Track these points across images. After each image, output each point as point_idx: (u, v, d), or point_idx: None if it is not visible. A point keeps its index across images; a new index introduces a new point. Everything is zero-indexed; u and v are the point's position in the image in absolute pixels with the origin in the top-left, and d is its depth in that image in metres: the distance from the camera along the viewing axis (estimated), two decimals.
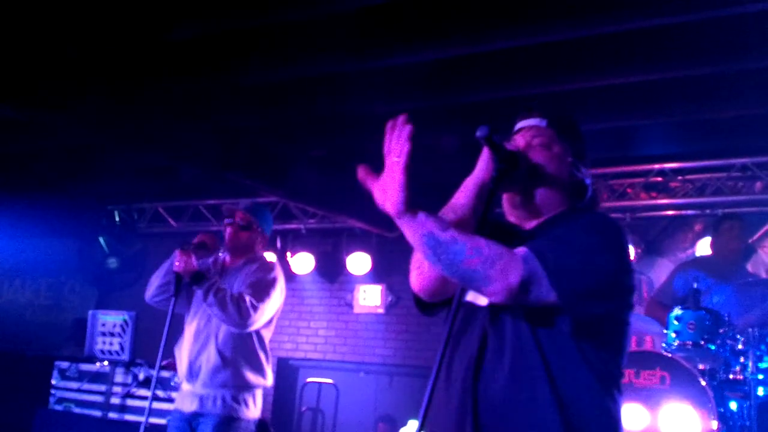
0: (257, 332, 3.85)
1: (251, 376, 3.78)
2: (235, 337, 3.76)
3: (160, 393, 5.27)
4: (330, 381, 7.81)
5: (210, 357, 3.73)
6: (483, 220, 1.88)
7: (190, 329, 3.88)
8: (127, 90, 5.18)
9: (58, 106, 5.00)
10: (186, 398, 3.80)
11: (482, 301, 1.92)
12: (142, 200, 8.68)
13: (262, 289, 3.76)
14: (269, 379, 3.89)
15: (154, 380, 3.75)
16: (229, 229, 3.96)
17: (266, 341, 3.92)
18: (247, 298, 3.65)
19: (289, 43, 4.62)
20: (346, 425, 7.70)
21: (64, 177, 7.63)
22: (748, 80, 4.79)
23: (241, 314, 3.62)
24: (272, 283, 3.83)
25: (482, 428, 1.81)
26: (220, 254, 4.10)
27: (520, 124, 2.10)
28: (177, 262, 3.70)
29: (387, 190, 1.83)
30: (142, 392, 5.51)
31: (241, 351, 3.77)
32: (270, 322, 3.91)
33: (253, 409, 3.81)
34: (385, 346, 8.06)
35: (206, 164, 5.86)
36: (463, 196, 1.99)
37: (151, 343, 6.10)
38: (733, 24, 4.15)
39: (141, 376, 5.54)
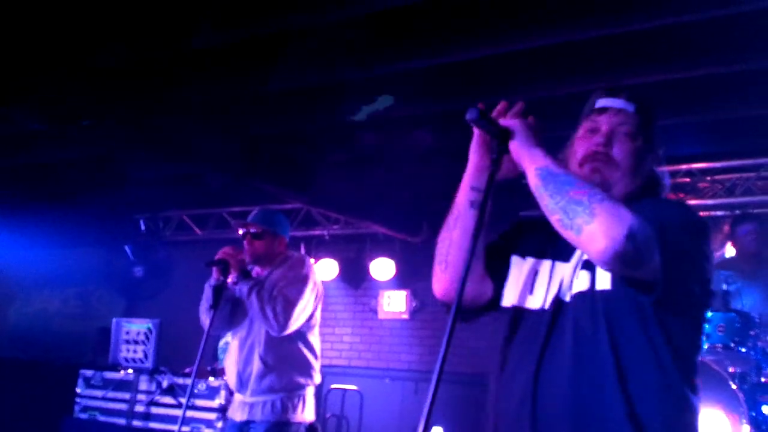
0: (300, 332, 3.83)
1: (298, 378, 3.79)
2: (276, 342, 3.76)
3: (182, 400, 5.27)
4: (354, 387, 7.77)
5: (255, 365, 3.76)
6: (483, 207, 1.75)
7: (235, 341, 3.93)
8: (151, 99, 5.21)
9: (83, 117, 5.04)
10: (238, 408, 3.84)
11: (536, 304, 1.84)
12: (167, 208, 8.73)
13: (294, 287, 3.74)
14: (317, 378, 3.90)
15: (189, 389, 3.75)
16: (244, 243, 3.95)
17: (311, 339, 3.91)
18: (281, 300, 3.64)
19: (311, 49, 4.62)
20: (370, 428, 7.65)
21: (90, 187, 7.71)
22: None
23: (277, 318, 3.62)
24: (304, 279, 3.81)
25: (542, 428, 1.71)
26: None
27: (603, 102, 1.90)
28: (223, 251, 3.73)
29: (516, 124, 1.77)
30: (166, 400, 5.51)
31: (284, 355, 3.79)
32: (311, 319, 3.88)
33: (303, 412, 3.82)
34: (410, 352, 8.01)
35: (230, 171, 5.88)
36: (460, 193, 1.90)
37: (176, 351, 6.13)
38: (763, 20, 4.05)
39: (165, 384, 5.55)
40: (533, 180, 1.71)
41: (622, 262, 1.59)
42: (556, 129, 1.95)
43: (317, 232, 8.04)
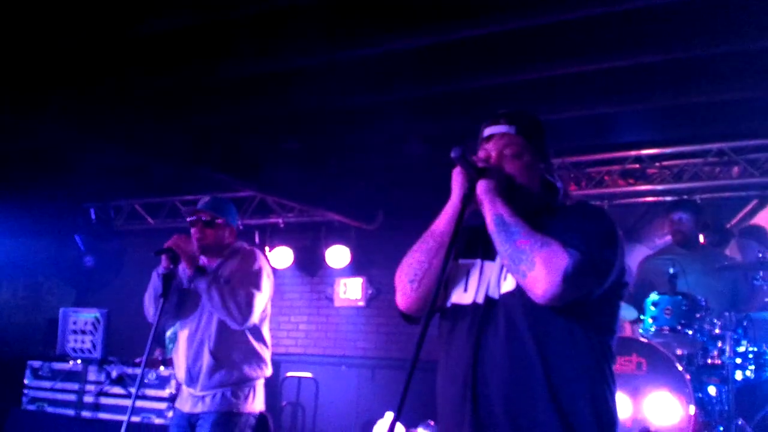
0: (252, 325, 3.78)
1: (249, 371, 3.74)
2: (227, 336, 3.71)
3: (132, 390, 5.19)
4: (309, 375, 7.75)
5: (205, 360, 3.69)
6: (454, 235, 1.99)
7: (183, 335, 3.83)
8: (96, 88, 5.09)
9: (26, 106, 4.90)
10: (187, 400, 3.77)
11: (468, 300, 2.07)
12: (118, 198, 8.58)
13: (251, 281, 3.70)
14: (268, 370, 3.86)
15: (139, 379, 3.63)
16: (193, 230, 3.87)
17: (263, 331, 3.88)
18: (242, 293, 3.60)
19: (260, 36, 4.55)
20: (327, 419, 7.64)
21: (38, 176, 7.53)
22: (722, 65, 4.76)
23: (240, 311, 3.58)
24: (259, 272, 3.77)
25: (482, 420, 1.94)
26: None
27: (488, 131, 2.15)
28: (173, 239, 3.65)
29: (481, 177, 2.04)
30: (116, 390, 5.44)
31: (236, 348, 3.73)
32: (264, 311, 3.86)
33: (253, 402, 3.77)
34: (367, 339, 8.00)
35: (177, 161, 5.77)
36: (443, 223, 2.09)
37: (127, 341, 6.04)
38: (706, 8, 4.11)
39: (114, 374, 5.47)
40: (490, 224, 1.99)
41: (559, 300, 1.89)
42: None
43: (272, 220, 7.97)
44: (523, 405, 1.92)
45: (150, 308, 3.75)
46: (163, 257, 3.64)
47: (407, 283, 2.11)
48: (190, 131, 5.82)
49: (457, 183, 2.08)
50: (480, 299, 2.05)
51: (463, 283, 2.12)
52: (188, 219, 3.91)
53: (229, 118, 5.85)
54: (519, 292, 1.97)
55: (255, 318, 3.67)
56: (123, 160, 6.91)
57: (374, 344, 7.94)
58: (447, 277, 2.13)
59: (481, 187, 2.02)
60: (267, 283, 3.79)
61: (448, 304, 2.13)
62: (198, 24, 4.32)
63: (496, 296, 2.04)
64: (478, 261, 2.13)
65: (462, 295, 2.10)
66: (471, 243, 2.15)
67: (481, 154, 2.14)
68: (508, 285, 2.03)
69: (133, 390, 5.18)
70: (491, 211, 2.00)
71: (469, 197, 2.03)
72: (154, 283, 3.71)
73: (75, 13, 4.19)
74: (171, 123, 5.71)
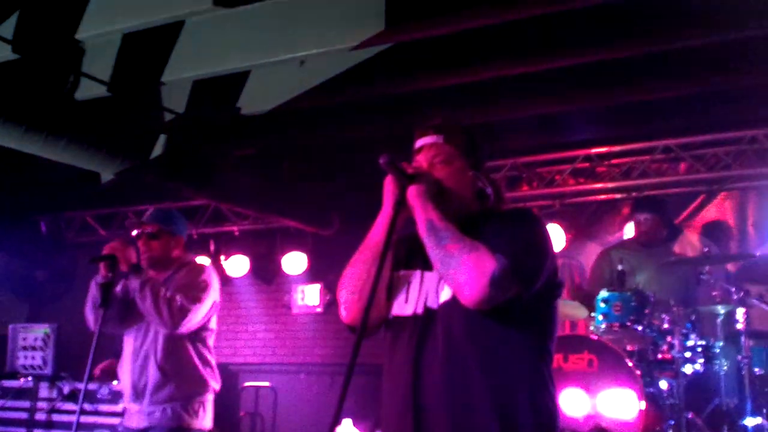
0: (199, 337, 3.74)
1: (198, 386, 3.69)
2: (174, 350, 3.65)
3: (86, 407, 5.11)
4: (267, 384, 7.69)
5: (152, 375, 3.62)
6: (387, 243, 2.02)
7: (128, 348, 3.76)
8: (38, 88, 4.99)
9: None
10: (133, 416, 3.68)
11: (409, 310, 2.10)
12: (69, 209, 8.42)
13: (192, 292, 3.63)
14: (217, 385, 3.80)
15: (81, 394, 3.56)
16: (139, 243, 3.81)
17: (210, 345, 3.82)
18: (178, 299, 3.53)
19: (208, 38, 4.50)
20: (286, 428, 7.58)
21: None
22: (666, 62, 4.83)
23: (172, 316, 3.50)
24: (203, 286, 3.69)
25: (423, 430, 1.97)
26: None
27: (419, 143, 2.20)
28: (111, 246, 3.57)
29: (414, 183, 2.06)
30: (68, 406, 5.33)
31: (183, 363, 3.66)
32: (208, 323, 3.79)
33: (204, 418, 3.70)
34: (325, 346, 7.97)
35: (125, 167, 5.67)
36: (377, 232, 2.11)
37: (77, 356, 5.92)
38: (650, 6, 4.16)
39: (66, 390, 5.37)
40: (420, 229, 2.02)
41: (487, 303, 1.92)
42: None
43: (227, 228, 7.90)
44: (463, 413, 1.95)
45: (90, 319, 3.67)
46: (101, 265, 3.54)
47: (348, 295, 2.14)
48: (138, 136, 5.73)
49: (388, 191, 2.10)
50: (420, 310, 2.09)
51: (404, 294, 2.15)
52: (133, 233, 3.84)
53: (179, 122, 5.76)
54: (456, 300, 2.00)
55: (188, 327, 3.59)
56: (74, 169, 6.77)
57: (333, 350, 7.91)
58: (389, 287, 2.17)
59: (412, 192, 2.05)
60: (210, 297, 3.71)
61: (390, 316, 2.16)
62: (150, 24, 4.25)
63: (435, 306, 2.07)
64: (419, 272, 2.15)
65: (403, 306, 2.13)
66: (412, 253, 2.17)
67: (414, 165, 2.17)
68: (445, 294, 2.05)
69: (87, 406, 5.11)
70: (421, 216, 2.02)
71: (401, 204, 2.05)
72: (92, 292, 3.61)
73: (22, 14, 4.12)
74: (119, 127, 5.60)
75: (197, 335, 3.73)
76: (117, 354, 5.91)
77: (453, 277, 1.95)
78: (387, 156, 2.02)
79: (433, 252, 1.99)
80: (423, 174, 2.10)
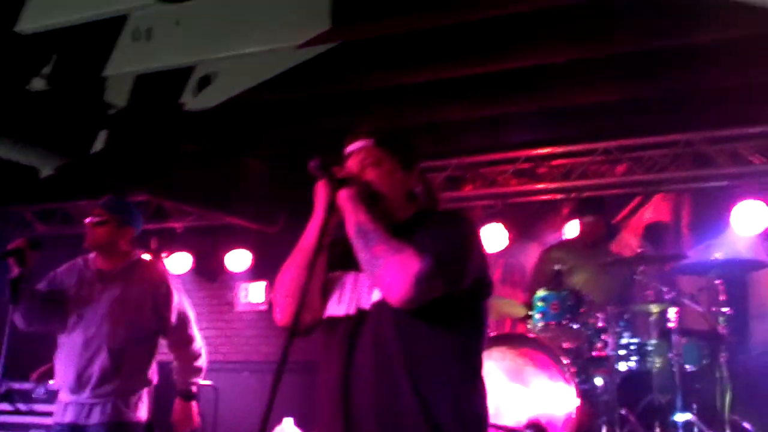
0: (156, 334, 3.81)
1: (141, 379, 3.71)
2: (132, 345, 3.67)
3: (21, 406, 5.02)
4: (208, 383, 7.61)
5: (102, 365, 3.60)
6: (318, 247, 2.06)
7: (77, 338, 3.68)
8: None
9: None
10: (69, 409, 3.63)
11: (341, 311, 2.14)
12: (8, 204, 8.20)
13: (188, 321, 3.98)
14: (155, 378, 3.84)
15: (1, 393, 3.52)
16: (87, 228, 3.80)
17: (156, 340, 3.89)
18: (194, 345, 3.92)
19: (150, 31, 4.45)
20: (227, 428, 7.52)
21: None
22: (606, 66, 4.94)
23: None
24: (184, 305, 3.94)
25: (352, 423, 2.02)
26: (89, 256, 3.89)
27: (349, 148, 2.24)
28: (19, 242, 3.48)
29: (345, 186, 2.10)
30: (2, 407, 5.22)
31: (135, 356, 3.69)
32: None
33: (141, 409, 3.71)
34: (269, 344, 7.94)
35: (63, 160, 5.56)
36: (310, 236, 2.14)
37: (19, 355, 5.78)
38: (595, 9, 4.24)
39: (1, 390, 5.24)
40: (350, 232, 2.06)
41: (412, 303, 1.96)
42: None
43: (169, 225, 7.79)
44: (390, 413, 2.00)
45: (16, 318, 3.60)
46: (10, 261, 3.44)
47: (282, 298, 2.17)
48: (77, 129, 5.62)
49: (320, 195, 2.14)
50: (352, 310, 2.13)
51: (338, 295, 2.19)
52: (86, 221, 3.84)
53: (120, 116, 5.67)
54: (386, 301, 2.04)
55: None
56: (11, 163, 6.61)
57: (277, 348, 7.83)
58: (324, 289, 2.21)
59: (342, 196, 2.09)
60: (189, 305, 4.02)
61: (324, 316, 2.20)
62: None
63: (367, 306, 2.11)
64: (353, 273, 2.18)
65: (336, 307, 2.18)
66: (347, 255, 2.18)
67: (342, 173, 2.21)
68: (376, 295, 2.09)
69: (21, 405, 5.01)
70: (351, 219, 2.07)
71: (331, 208, 2.09)
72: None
73: None
74: (57, 119, 5.48)
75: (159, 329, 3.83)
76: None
77: (380, 277, 2.00)
78: (317, 160, 2.07)
79: (361, 254, 2.03)
80: (353, 177, 2.14)
